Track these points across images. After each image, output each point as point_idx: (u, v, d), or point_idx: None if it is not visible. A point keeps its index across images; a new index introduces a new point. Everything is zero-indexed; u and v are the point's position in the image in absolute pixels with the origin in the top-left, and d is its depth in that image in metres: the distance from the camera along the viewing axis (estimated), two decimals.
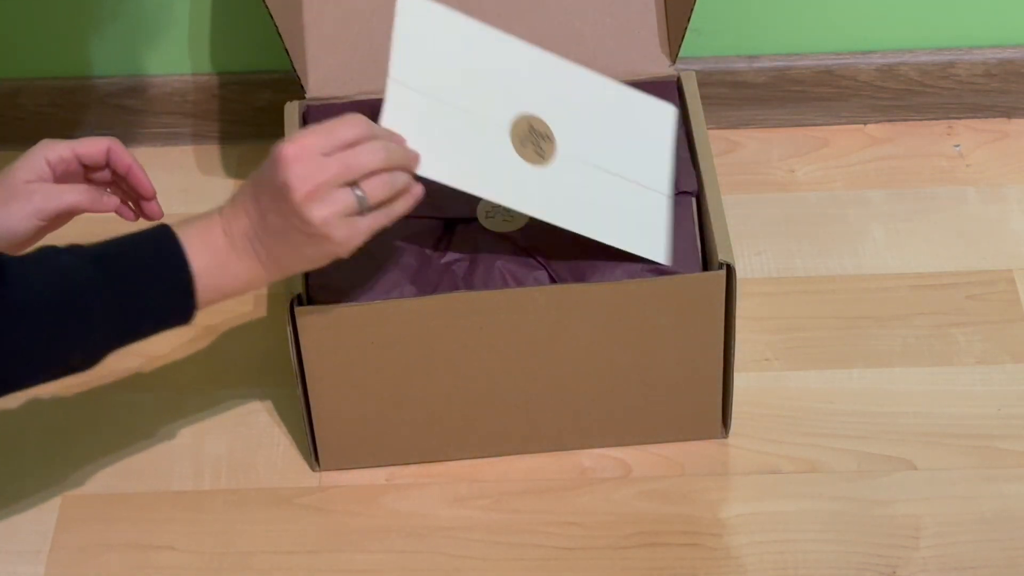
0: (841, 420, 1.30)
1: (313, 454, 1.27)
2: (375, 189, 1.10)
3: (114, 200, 1.19)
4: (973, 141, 1.52)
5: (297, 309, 1.18)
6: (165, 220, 1.12)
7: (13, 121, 1.53)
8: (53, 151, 1.18)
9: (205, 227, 1.10)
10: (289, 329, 1.19)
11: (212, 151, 1.54)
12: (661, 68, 1.34)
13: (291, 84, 1.34)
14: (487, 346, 1.21)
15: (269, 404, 1.33)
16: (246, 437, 1.31)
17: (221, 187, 1.50)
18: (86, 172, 1.19)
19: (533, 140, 1.19)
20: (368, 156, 1.09)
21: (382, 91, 1.33)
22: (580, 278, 1.20)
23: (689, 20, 1.29)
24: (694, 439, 1.29)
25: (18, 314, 1.03)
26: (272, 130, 1.33)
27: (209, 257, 1.09)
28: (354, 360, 1.21)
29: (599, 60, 1.34)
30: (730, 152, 1.52)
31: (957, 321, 1.37)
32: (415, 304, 1.18)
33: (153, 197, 1.20)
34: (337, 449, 1.27)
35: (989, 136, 1.52)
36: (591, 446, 1.29)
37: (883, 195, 1.47)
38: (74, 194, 1.17)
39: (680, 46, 1.32)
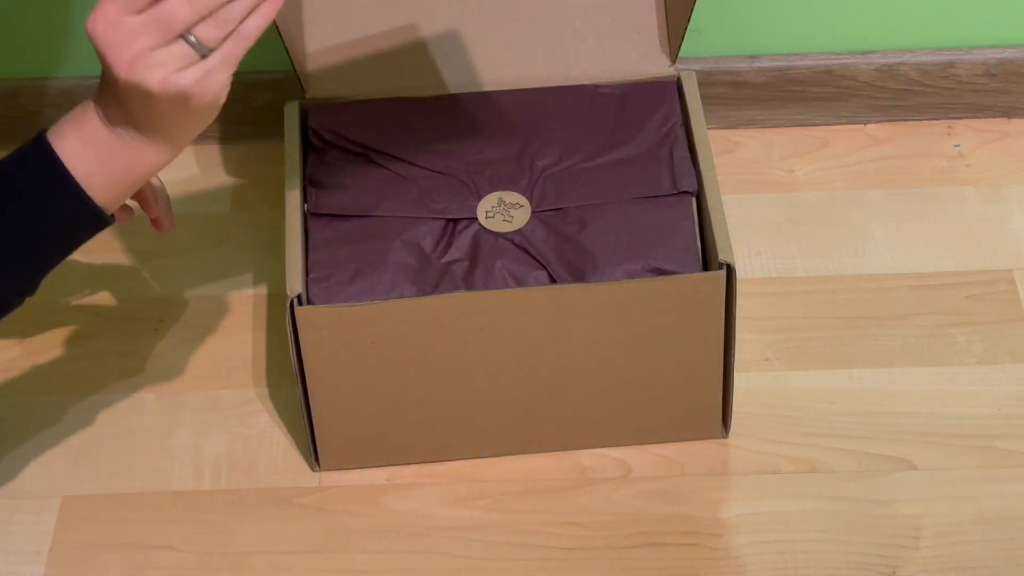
0: (841, 420, 1.30)
1: (313, 454, 1.27)
2: (207, 30, 0.97)
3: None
4: (973, 141, 1.52)
5: (297, 309, 1.18)
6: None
7: (13, 121, 1.53)
8: None
9: (81, 124, 1.02)
10: (289, 329, 1.19)
11: (212, 151, 1.54)
12: (661, 68, 1.34)
13: (291, 84, 1.34)
14: (487, 346, 1.21)
15: (269, 404, 1.33)
16: (246, 437, 1.31)
17: (221, 187, 1.50)
18: None
19: None
20: (180, 6, 0.96)
21: (382, 91, 1.34)
22: (580, 278, 1.20)
23: (689, 20, 1.29)
24: (694, 439, 1.29)
25: None
26: (272, 130, 1.34)
27: (94, 157, 1.02)
28: (354, 360, 1.21)
29: (599, 60, 1.34)
30: (730, 152, 1.52)
31: (957, 321, 1.37)
32: (415, 304, 1.19)
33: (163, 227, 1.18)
34: (337, 449, 1.27)
35: (989, 136, 1.52)
36: (591, 446, 1.29)
37: (883, 195, 1.47)
38: None
39: (680, 46, 1.32)
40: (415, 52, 1.35)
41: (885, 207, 1.46)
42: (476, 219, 1.25)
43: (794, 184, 1.49)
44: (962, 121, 1.54)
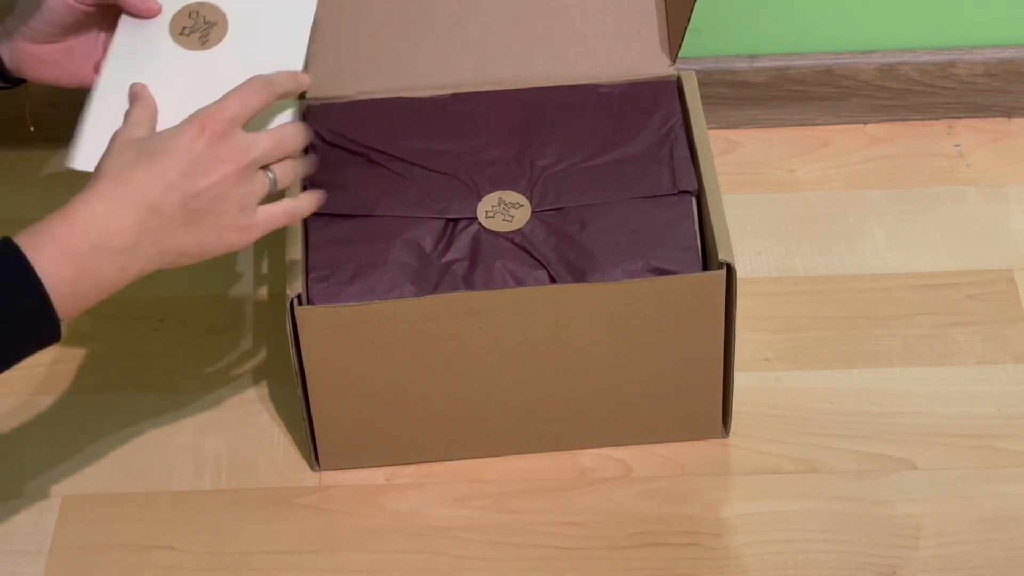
0: (841, 420, 1.30)
1: (313, 454, 1.27)
2: (285, 172, 1.06)
3: None
4: (973, 141, 1.52)
5: (297, 309, 1.18)
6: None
7: (13, 121, 1.52)
8: None
9: (67, 232, 1.00)
10: (289, 329, 1.19)
11: None
12: (661, 68, 1.34)
13: None
14: (487, 346, 1.21)
15: (269, 404, 1.33)
16: (246, 437, 1.31)
17: None
18: None
19: (198, 27, 1.14)
20: (292, 140, 1.06)
21: (382, 91, 1.34)
22: (580, 278, 1.20)
23: (689, 20, 1.29)
24: (694, 439, 1.29)
25: None
26: None
27: (69, 268, 0.99)
28: (354, 360, 1.21)
29: (599, 60, 1.34)
30: (730, 152, 1.52)
31: (957, 321, 1.37)
32: (415, 304, 1.18)
33: None
34: (337, 449, 1.27)
35: (989, 136, 1.52)
36: (591, 446, 1.29)
37: (883, 195, 1.47)
38: None
39: (680, 46, 1.32)
40: (415, 52, 1.35)
41: (885, 207, 1.46)
42: (476, 219, 1.25)
43: (794, 184, 1.49)
44: (962, 121, 1.54)
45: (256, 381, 1.34)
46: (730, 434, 1.29)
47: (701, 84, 1.36)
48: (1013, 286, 1.39)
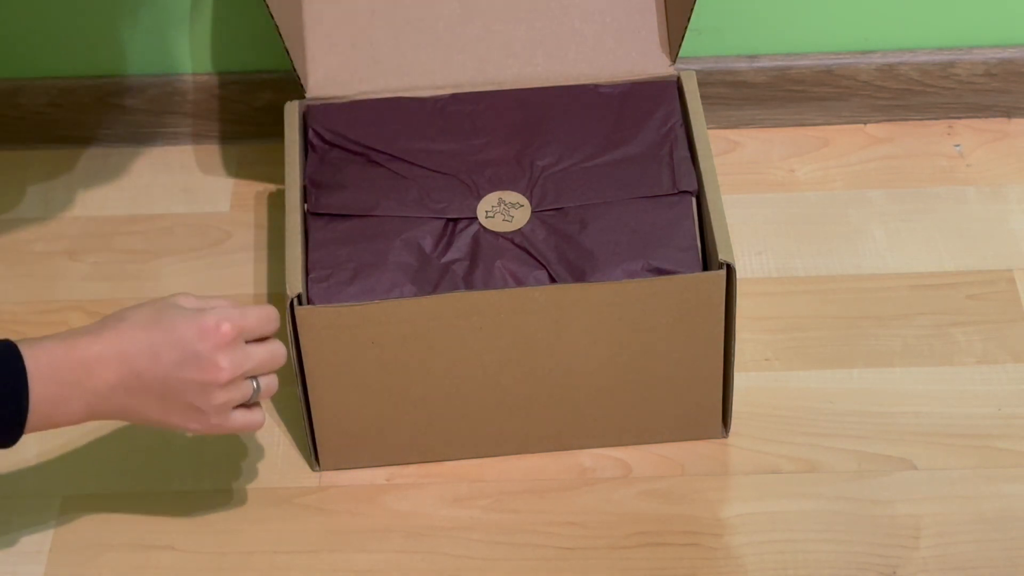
0: (841, 420, 1.30)
1: (313, 454, 1.27)
2: (270, 385, 1.13)
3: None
4: (973, 141, 1.52)
5: (297, 309, 1.18)
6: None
7: (13, 121, 1.53)
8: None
9: (63, 357, 1.06)
10: (289, 329, 1.19)
11: (212, 151, 1.54)
12: (661, 68, 1.34)
13: (291, 84, 1.34)
14: (487, 346, 1.21)
15: (269, 404, 1.33)
16: (246, 437, 1.31)
17: (221, 187, 1.50)
18: None
19: None
20: (280, 359, 1.14)
21: (382, 91, 1.34)
22: (580, 278, 1.20)
23: (689, 20, 1.29)
24: (694, 439, 1.29)
25: None
26: (272, 130, 1.33)
27: (53, 390, 1.06)
28: (354, 360, 1.21)
29: (599, 60, 1.34)
30: (730, 152, 1.52)
31: (957, 321, 1.37)
32: (415, 304, 1.19)
33: None
34: (337, 449, 1.27)
35: (989, 136, 1.52)
36: (591, 446, 1.29)
37: (883, 195, 1.47)
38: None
39: (680, 46, 1.32)
40: (415, 52, 1.35)
41: (885, 207, 1.46)
42: (476, 219, 1.25)
43: (794, 184, 1.49)
44: (962, 121, 1.54)
45: None
46: (730, 434, 1.29)
47: (701, 84, 1.36)
48: (1013, 286, 1.39)
